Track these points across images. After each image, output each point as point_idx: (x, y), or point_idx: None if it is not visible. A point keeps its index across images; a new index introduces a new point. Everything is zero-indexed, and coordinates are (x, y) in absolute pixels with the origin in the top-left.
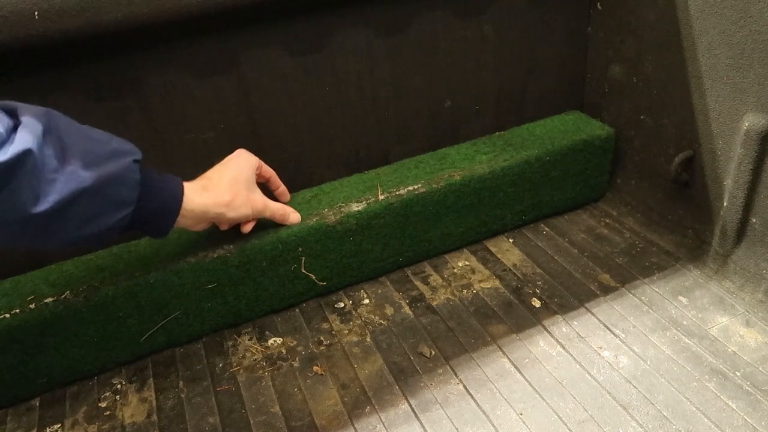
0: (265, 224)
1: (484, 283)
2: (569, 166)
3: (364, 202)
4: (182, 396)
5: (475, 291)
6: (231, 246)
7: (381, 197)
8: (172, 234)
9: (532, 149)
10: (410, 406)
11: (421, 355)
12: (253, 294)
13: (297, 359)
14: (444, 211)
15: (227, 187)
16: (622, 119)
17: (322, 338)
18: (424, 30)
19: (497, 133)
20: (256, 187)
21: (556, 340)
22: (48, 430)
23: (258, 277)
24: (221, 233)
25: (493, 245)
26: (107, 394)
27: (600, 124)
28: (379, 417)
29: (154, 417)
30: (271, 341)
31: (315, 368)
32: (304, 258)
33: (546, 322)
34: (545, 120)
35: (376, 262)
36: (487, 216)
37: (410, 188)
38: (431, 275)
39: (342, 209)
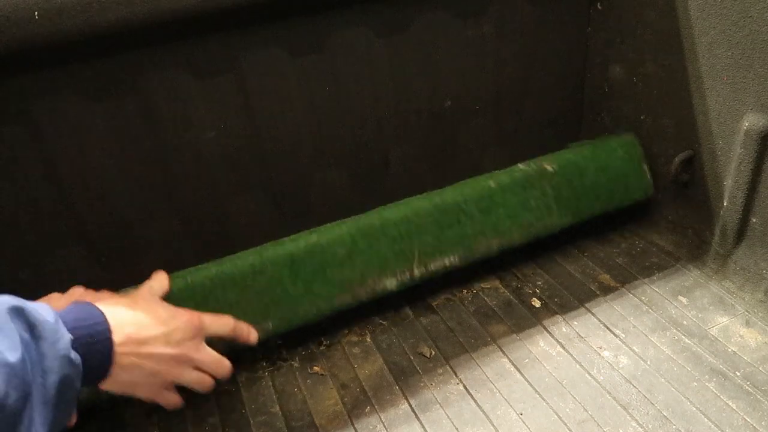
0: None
1: (484, 282)
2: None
3: (399, 277)
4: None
5: (474, 291)
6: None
7: (416, 272)
8: None
9: (576, 215)
10: (410, 406)
11: (421, 355)
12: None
13: (297, 359)
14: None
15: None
16: (622, 119)
17: (321, 338)
18: (424, 30)
19: (548, 160)
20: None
21: (556, 340)
22: None
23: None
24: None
25: None
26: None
27: (648, 179)
28: (379, 417)
29: (155, 417)
30: (271, 341)
31: (315, 368)
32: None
33: (546, 322)
34: (599, 147)
35: None
36: None
37: (446, 261)
38: None
39: (375, 286)
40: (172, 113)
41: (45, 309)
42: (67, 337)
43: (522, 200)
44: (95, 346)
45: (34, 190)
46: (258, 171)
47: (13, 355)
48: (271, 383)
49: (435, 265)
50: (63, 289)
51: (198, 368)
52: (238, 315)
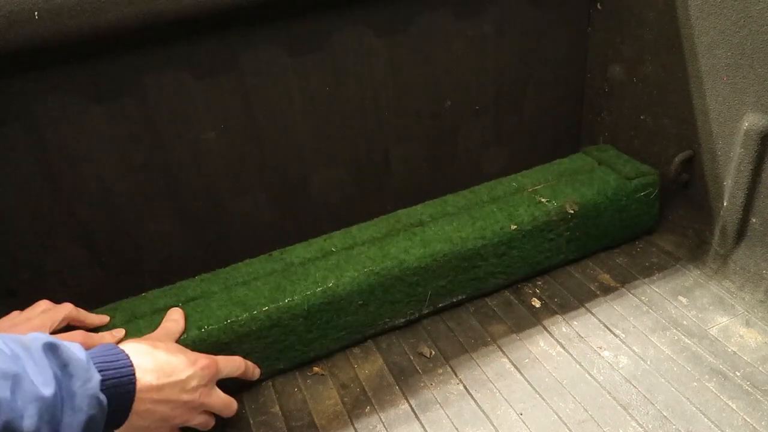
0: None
1: None
2: None
3: (407, 317)
4: None
5: None
6: None
7: (425, 311)
8: None
9: (583, 251)
10: (410, 406)
11: (421, 355)
12: None
13: None
14: None
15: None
16: (622, 119)
17: None
18: (424, 30)
19: (570, 197)
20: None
21: (556, 340)
22: None
23: None
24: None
25: None
26: None
27: (656, 212)
28: (379, 417)
29: None
30: None
31: (315, 368)
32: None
33: (546, 322)
34: (622, 188)
35: None
36: None
37: (454, 299)
38: None
39: (384, 326)
40: (172, 113)
41: (77, 348)
42: (97, 377)
43: (537, 244)
44: (120, 391)
45: (34, 190)
46: (258, 171)
47: (47, 390)
48: (270, 383)
49: (443, 303)
50: (63, 288)
51: (206, 411)
52: (249, 358)
